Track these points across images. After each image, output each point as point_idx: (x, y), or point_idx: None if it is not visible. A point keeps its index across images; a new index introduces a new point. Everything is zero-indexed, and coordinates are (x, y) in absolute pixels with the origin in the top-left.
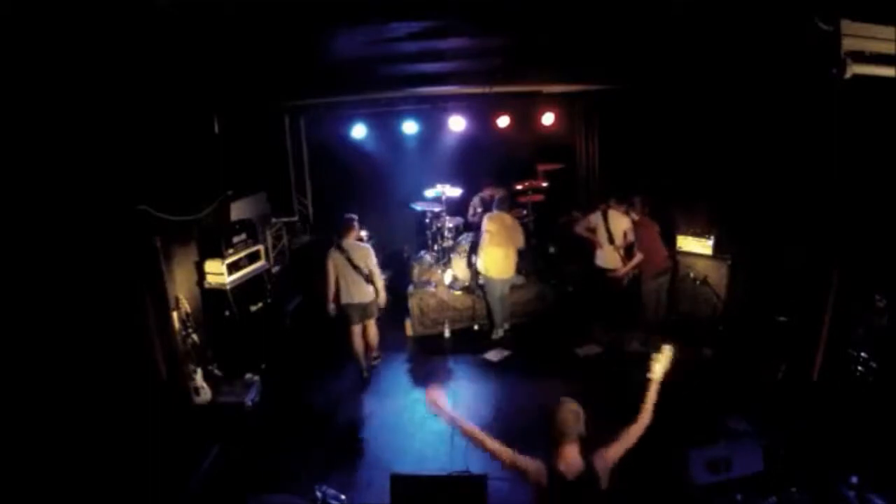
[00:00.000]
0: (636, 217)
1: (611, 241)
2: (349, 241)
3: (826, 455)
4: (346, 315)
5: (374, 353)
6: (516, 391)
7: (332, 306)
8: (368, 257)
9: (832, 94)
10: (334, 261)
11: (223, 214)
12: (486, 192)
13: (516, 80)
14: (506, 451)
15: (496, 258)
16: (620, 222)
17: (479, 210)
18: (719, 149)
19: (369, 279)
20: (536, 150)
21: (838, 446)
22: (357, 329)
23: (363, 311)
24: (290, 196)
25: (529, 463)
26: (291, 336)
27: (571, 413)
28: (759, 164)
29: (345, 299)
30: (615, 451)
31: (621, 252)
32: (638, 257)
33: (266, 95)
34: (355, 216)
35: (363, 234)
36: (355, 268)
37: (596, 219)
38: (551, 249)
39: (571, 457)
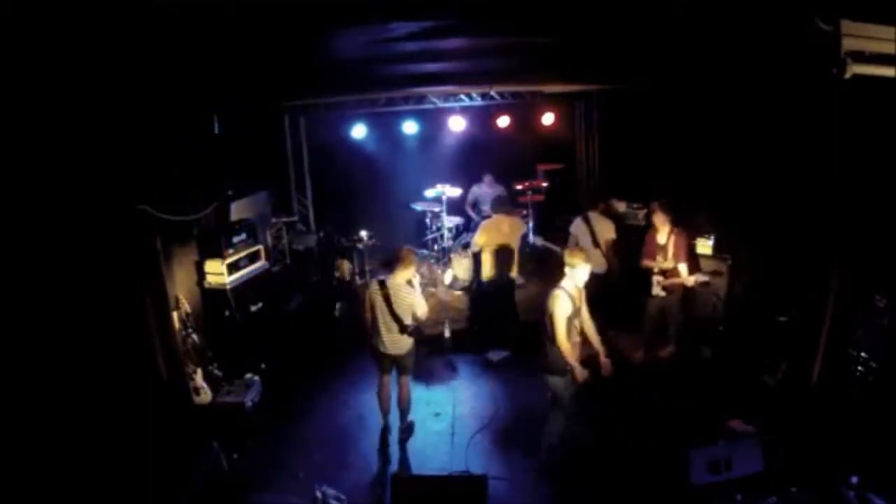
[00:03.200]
0: (664, 221)
1: (595, 244)
2: (396, 281)
3: (826, 455)
4: (375, 360)
5: (407, 420)
6: (516, 391)
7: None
8: (415, 308)
9: (832, 94)
10: (372, 296)
11: (223, 214)
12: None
13: (516, 80)
14: None
15: (493, 266)
16: (605, 227)
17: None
18: (719, 148)
19: (405, 329)
20: (536, 150)
21: (838, 446)
22: (385, 379)
23: (394, 363)
24: (290, 196)
25: None
26: (291, 336)
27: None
28: (760, 163)
29: (375, 343)
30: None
31: (610, 254)
32: (697, 276)
33: (266, 95)
34: (416, 250)
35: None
36: (394, 315)
37: (577, 228)
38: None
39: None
